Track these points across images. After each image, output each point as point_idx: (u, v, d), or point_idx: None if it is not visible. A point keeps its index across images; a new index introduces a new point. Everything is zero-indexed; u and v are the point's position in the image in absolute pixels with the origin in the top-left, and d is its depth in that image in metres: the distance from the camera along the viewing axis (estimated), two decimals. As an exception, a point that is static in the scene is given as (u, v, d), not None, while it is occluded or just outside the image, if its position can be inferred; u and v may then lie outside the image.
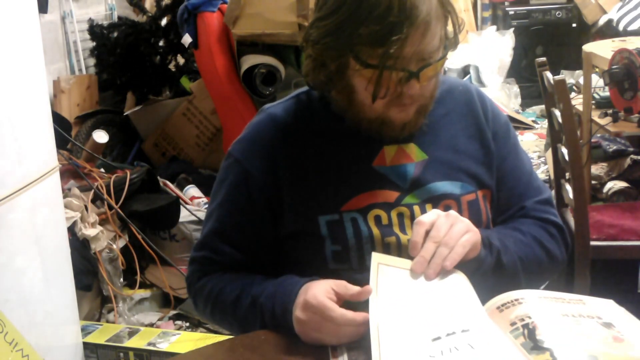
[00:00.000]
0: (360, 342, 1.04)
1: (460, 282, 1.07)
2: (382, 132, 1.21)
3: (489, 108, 1.33)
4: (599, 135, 3.44)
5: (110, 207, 2.87)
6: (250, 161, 1.25)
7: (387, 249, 1.20)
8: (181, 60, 4.27)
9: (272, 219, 1.24)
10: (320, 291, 1.07)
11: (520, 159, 1.35)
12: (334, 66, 1.16)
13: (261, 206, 1.24)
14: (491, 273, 1.18)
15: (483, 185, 1.27)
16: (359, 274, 1.19)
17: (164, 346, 2.41)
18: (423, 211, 1.22)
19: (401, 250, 1.20)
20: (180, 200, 3.11)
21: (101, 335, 2.51)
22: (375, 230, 1.20)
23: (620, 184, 3.28)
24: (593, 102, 3.11)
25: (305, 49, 1.20)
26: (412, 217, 1.21)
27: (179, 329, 2.73)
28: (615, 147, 3.52)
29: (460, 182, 1.25)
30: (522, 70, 5.75)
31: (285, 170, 1.23)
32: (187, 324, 2.80)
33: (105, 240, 2.75)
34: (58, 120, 3.15)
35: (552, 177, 3.62)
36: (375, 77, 1.11)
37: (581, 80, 3.42)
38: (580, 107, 3.20)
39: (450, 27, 1.17)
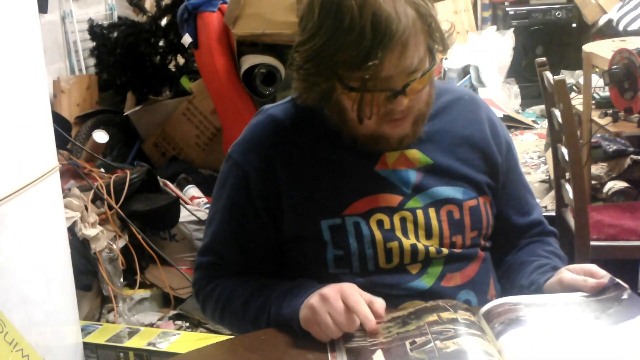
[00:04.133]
0: (358, 341, 1.04)
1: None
2: (379, 147, 1.20)
3: (496, 122, 1.34)
4: (599, 135, 3.44)
5: (110, 207, 2.87)
6: (249, 163, 1.24)
7: (389, 254, 1.20)
8: (181, 60, 4.26)
9: (272, 222, 1.24)
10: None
11: (520, 174, 1.39)
12: (321, 88, 1.15)
13: (262, 209, 1.23)
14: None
15: (483, 192, 1.28)
16: (360, 277, 1.19)
17: (164, 346, 2.41)
18: (426, 215, 1.22)
19: (403, 254, 1.20)
20: (180, 200, 3.11)
21: (101, 335, 2.50)
22: (378, 235, 1.20)
23: (620, 184, 3.28)
24: (593, 102, 3.11)
25: (292, 72, 1.19)
26: (415, 221, 1.21)
27: (179, 329, 2.73)
28: (615, 147, 3.52)
29: (462, 188, 1.25)
30: (522, 70, 5.75)
31: (284, 172, 1.22)
32: (187, 324, 2.80)
33: (105, 240, 2.75)
34: (58, 120, 3.14)
35: (552, 177, 3.63)
36: (358, 99, 1.11)
37: (581, 80, 3.43)
38: (580, 107, 3.20)
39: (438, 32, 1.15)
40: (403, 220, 1.21)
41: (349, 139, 1.20)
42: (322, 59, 1.09)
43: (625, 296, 1.05)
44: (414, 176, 1.23)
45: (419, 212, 1.22)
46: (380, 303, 1.07)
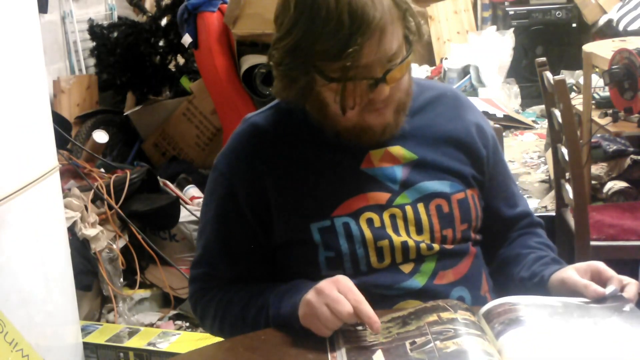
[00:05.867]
0: (358, 340, 1.04)
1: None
2: (362, 139, 1.20)
3: (479, 116, 1.34)
4: (599, 135, 3.44)
5: (110, 207, 2.87)
6: (234, 174, 1.25)
7: (380, 252, 1.20)
8: (181, 60, 4.27)
9: (263, 230, 1.24)
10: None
11: (506, 166, 1.39)
12: (301, 83, 1.16)
13: (251, 217, 1.24)
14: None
15: (470, 185, 1.28)
16: (353, 278, 1.19)
17: (164, 346, 2.41)
18: (415, 211, 1.22)
19: (394, 252, 1.20)
20: (180, 200, 3.12)
21: (101, 335, 2.51)
22: (368, 233, 1.20)
23: (620, 184, 3.28)
24: (593, 102, 3.11)
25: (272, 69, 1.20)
26: (405, 218, 1.21)
27: (179, 329, 2.73)
28: (615, 147, 3.52)
29: (449, 182, 1.25)
30: (522, 70, 5.75)
31: (270, 179, 1.22)
32: (187, 324, 2.80)
33: (105, 240, 2.75)
34: (58, 120, 3.15)
35: (552, 177, 3.63)
36: (340, 89, 1.11)
37: (581, 80, 3.42)
38: (580, 107, 3.20)
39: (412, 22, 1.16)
40: (393, 217, 1.21)
41: (332, 134, 1.21)
42: (300, 52, 1.11)
43: (627, 309, 1.04)
44: (400, 172, 1.23)
45: (408, 208, 1.22)
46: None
